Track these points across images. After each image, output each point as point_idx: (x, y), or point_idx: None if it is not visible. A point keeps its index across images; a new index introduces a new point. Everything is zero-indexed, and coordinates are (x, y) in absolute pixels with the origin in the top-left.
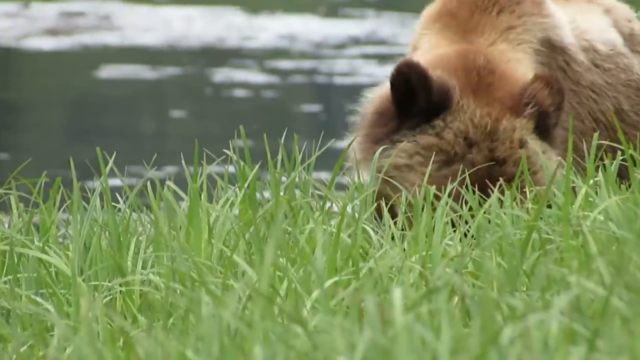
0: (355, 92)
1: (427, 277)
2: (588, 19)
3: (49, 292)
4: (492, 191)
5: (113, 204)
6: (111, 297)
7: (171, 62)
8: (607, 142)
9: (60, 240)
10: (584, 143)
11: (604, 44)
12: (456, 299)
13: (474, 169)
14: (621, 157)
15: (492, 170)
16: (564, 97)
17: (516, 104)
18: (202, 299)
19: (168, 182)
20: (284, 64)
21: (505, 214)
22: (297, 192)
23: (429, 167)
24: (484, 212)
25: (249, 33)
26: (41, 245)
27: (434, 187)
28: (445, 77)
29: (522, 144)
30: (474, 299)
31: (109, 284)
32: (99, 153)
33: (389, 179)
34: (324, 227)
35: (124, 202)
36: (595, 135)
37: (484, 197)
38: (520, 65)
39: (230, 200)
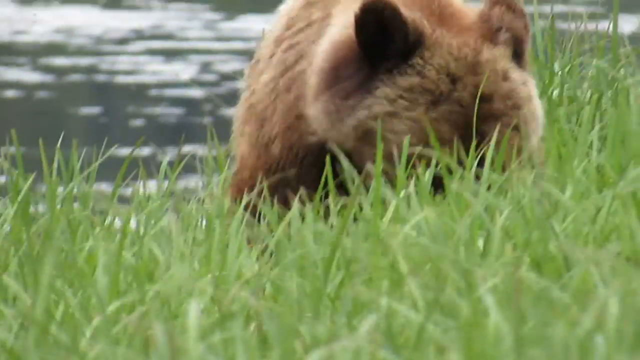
0: (139, 92)
1: (220, 301)
2: None
3: None
4: (485, 134)
5: None
6: None
7: None
8: (420, 148)
9: None
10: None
11: None
12: (253, 325)
13: (462, 108)
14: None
15: (480, 108)
16: (527, 17)
17: (487, 31)
18: None
19: None
20: (60, 60)
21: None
22: (76, 204)
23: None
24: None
25: (20, 26)
26: None
27: (422, 132)
28: (411, 11)
29: (505, 76)
30: (273, 325)
31: None
32: None
33: (366, 133)
34: (106, 244)
35: None
36: (407, 138)
37: (474, 141)
38: None
39: (0, 215)
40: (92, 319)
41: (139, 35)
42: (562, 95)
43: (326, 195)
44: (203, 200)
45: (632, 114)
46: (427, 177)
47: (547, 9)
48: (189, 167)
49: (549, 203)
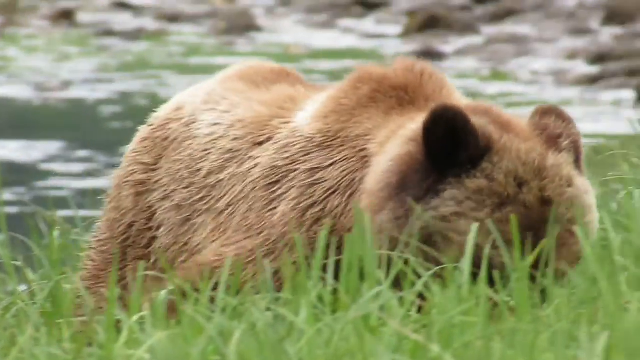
0: None
1: None
2: None
3: None
4: (544, 237)
5: None
6: None
7: None
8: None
9: None
10: None
11: None
12: None
13: (527, 211)
14: None
15: (544, 211)
16: (575, 125)
17: (548, 138)
18: None
19: None
20: None
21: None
22: None
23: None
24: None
25: None
26: None
27: (485, 232)
28: (478, 118)
29: (570, 182)
30: None
31: None
32: None
33: (431, 235)
34: None
35: None
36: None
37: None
38: None
39: None
40: None
41: None
42: None
43: None
44: None
45: (368, 238)
46: (162, 297)
47: None
48: None
49: (283, 326)
